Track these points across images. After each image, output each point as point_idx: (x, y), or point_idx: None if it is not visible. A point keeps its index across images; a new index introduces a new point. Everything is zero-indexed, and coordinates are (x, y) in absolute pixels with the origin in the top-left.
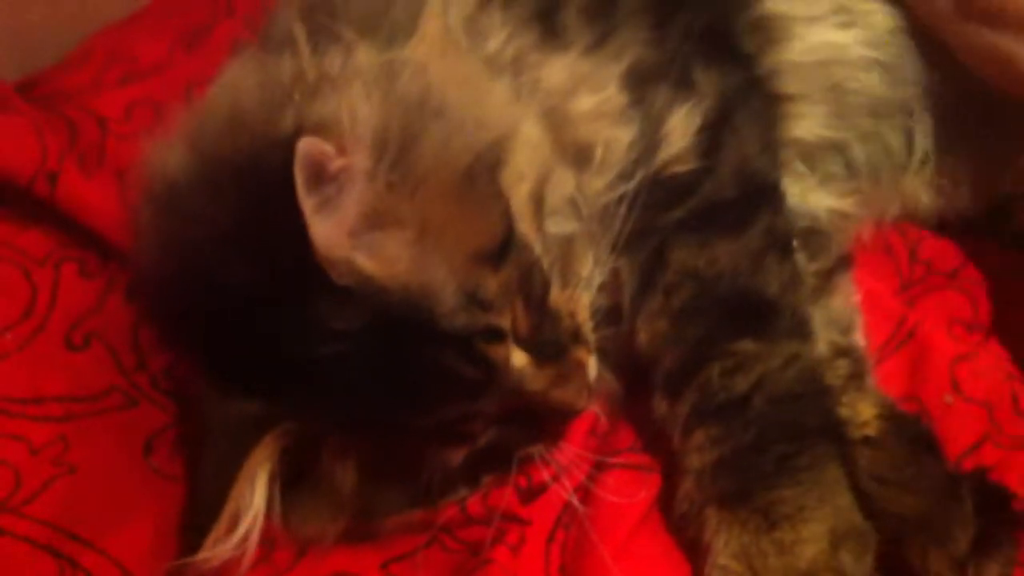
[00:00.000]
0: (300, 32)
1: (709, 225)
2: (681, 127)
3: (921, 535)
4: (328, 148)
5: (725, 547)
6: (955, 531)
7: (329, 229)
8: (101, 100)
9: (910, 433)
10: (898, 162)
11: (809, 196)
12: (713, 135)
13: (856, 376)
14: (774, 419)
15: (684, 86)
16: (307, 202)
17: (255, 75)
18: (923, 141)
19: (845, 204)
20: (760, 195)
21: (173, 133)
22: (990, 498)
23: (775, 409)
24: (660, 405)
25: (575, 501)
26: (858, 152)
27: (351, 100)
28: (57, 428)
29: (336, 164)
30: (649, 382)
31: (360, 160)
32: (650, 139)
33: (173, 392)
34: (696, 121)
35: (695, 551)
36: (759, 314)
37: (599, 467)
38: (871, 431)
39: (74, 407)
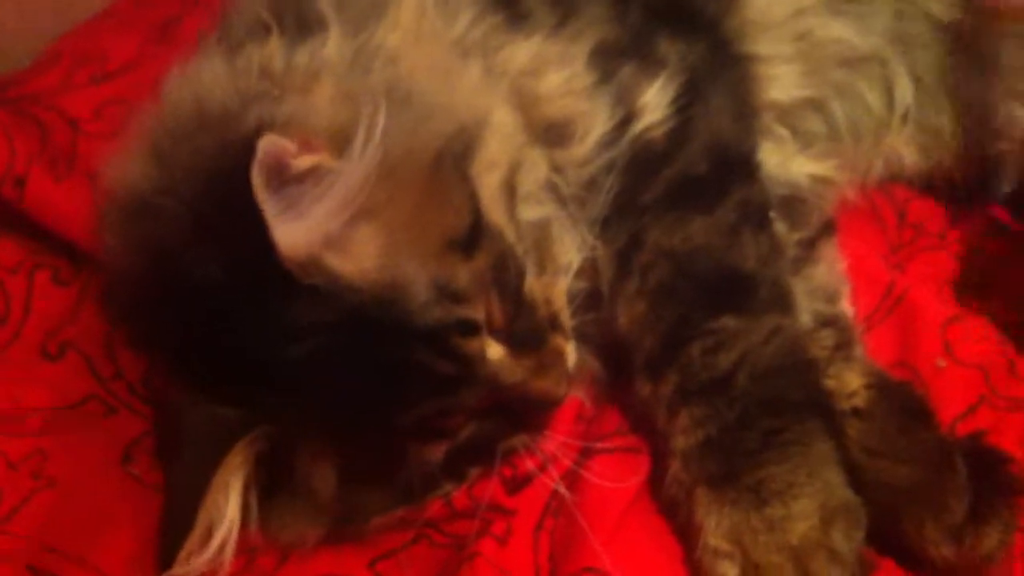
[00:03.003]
0: (271, 20)
1: (683, 202)
2: (654, 101)
3: (916, 506)
4: (291, 146)
5: (716, 527)
6: (950, 500)
7: (295, 232)
8: (71, 100)
9: (900, 402)
10: (879, 119)
11: (790, 163)
12: (684, 107)
13: (843, 346)
14: (758, 395)
15: (651, 61)
16: (268, 204)
17: (220, 70)
18: (903, 96)
19: (827, 169)
20: (732, 168)
21: (133, 139)
22: (985, 464)
23: (759, 385)
24: (643, 388)
25: (562, 488)
26: (837, 109)
27: (319, 96)
28: (35, 441)
29: (301, 162)
30: (631, 365)
31: (327, 157)
32: (626, 111)
33: (151, 399)
34: (668, 95)
35: (686, 533)
36: (738, 289)
37: (586, 452)
38: (859, 402)
39: (52, 418)
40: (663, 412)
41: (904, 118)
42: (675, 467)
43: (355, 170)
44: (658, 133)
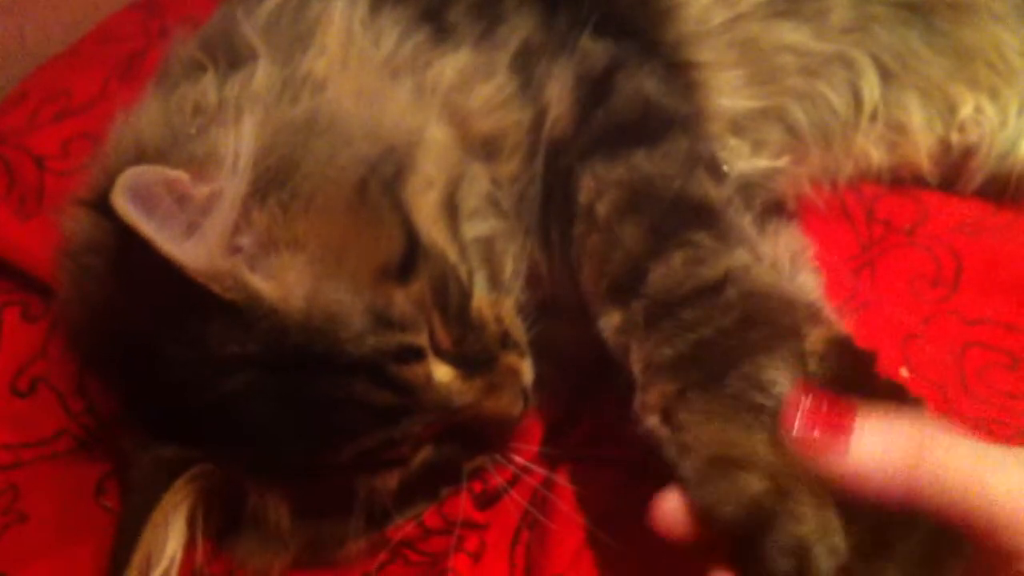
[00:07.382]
0: (205, 58)
1: (616, 140)
2: (558, 88)
3: None
4: (176, 174)
5: (723, 433)
6: None
7: (195, 246)
8: (36, 138)
9: (856, 355)
10: (846, 121)
11: (738, 163)
12: (600, 83)
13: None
14: (751, 311)
15: (568, 52)
16: (148, 226)
17: (156, 113)
18: (871, 92)
19: (781, 162)
20: (668, 119)
21: (82, 187)
22: None
23: (750, 302)
24: (610, 320)
25: (543, 490)
26: (798, 116)
27: (237, 128)
28: (6, 476)
29: (201, 191)
30: (591, 314)
31: (230, 185)
32: (539, 111)
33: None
34: (570, 75)
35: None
36: (706, 213)
37: (558, 460)
38: (819, 347)
39: (23, 454)
40: (639, 331)
41: (873, 116)
42: (661, 383)
43: (233, 179)
44: (565, 122)
